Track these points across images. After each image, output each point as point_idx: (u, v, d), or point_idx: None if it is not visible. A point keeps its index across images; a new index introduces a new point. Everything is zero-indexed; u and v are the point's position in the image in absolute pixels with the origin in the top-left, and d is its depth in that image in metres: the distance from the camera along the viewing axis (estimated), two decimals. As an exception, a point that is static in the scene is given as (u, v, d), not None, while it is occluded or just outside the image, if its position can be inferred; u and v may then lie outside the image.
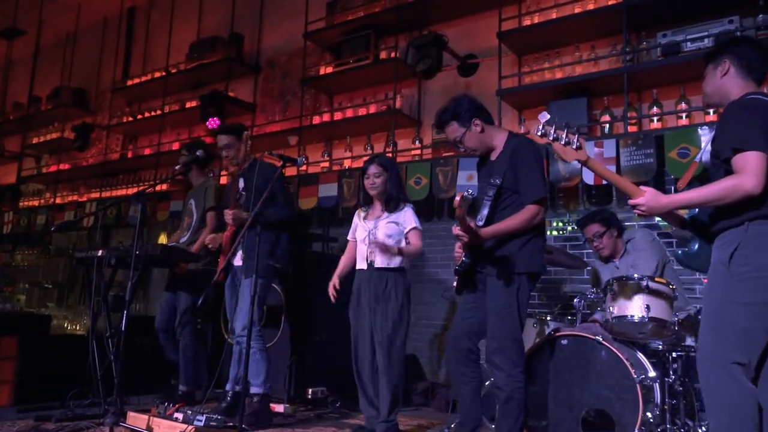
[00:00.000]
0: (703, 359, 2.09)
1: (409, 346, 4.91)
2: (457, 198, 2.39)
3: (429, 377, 4.80)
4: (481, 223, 2.66)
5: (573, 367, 2.95)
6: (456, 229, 2.59)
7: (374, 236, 3.22)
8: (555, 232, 4.54)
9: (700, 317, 3.08)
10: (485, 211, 2.72)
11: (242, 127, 3.84)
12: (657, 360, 3.08)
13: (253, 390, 3.50)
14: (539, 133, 2.20)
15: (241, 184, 3.77)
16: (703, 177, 3.62)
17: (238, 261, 3.67)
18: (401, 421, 3.35)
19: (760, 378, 2.04)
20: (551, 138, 2.20)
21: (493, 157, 2.87)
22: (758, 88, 2.24)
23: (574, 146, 2.20)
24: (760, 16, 3.86)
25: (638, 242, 3.44)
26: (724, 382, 2.01)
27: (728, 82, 2.24)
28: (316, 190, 5.41)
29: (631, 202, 2.18)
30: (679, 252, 2.44)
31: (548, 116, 2.17)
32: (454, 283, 2.81)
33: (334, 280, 3.35)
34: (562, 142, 2.19)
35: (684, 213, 2.46)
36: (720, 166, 2.13)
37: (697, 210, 2.41)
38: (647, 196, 2.14)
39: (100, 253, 3.64)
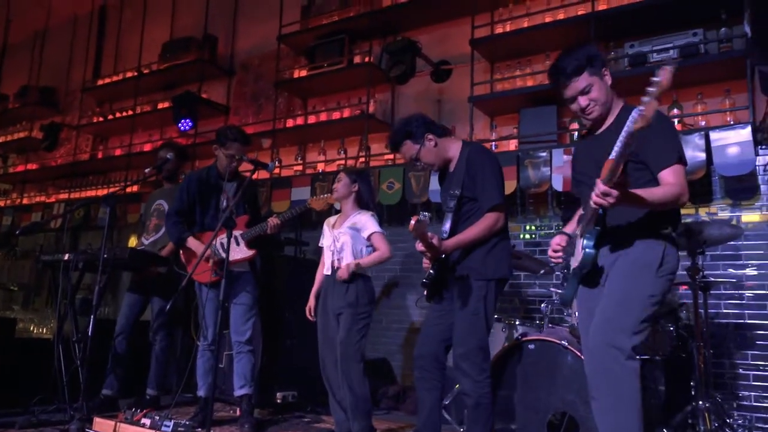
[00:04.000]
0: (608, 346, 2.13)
1: (381, 349, 4.96)
2: (412, 222, 2.41)
3: (400, 381, 4.83)
4: (445, 236, 2.70)
5: (539, 371, 3.00)
6: (419, 246, 2.63)
7: (338, 244, 3.25)
8: (527, 236, 4.61)
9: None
10: (448, 224, 2.76)
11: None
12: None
13: (248, 391, 3.57)
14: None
15: (230, 190, 3.69)
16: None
17: (241, 268, 3.65)
18: (370, 425, 3.37)
19: None
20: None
21: (451, 168, 2.91)
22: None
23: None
24: (723, 29, 3.97)
25: None
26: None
27: (610, 89, 2.31)
28: (288, 194, 5.40)
29: (604, 184, 1.95)
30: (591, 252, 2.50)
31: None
32: (425, 292, 2.83)
33: (311, 303, 3.38)
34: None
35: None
36: (642, 170, 2.20)
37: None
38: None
39: (66, 256, 3.58)
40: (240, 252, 3.58)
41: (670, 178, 2.12)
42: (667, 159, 2.14)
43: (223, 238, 3.57)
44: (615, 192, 1.92)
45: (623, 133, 1.84)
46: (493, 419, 2.75)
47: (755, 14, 2.46)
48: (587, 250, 2.17)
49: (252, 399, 3.62)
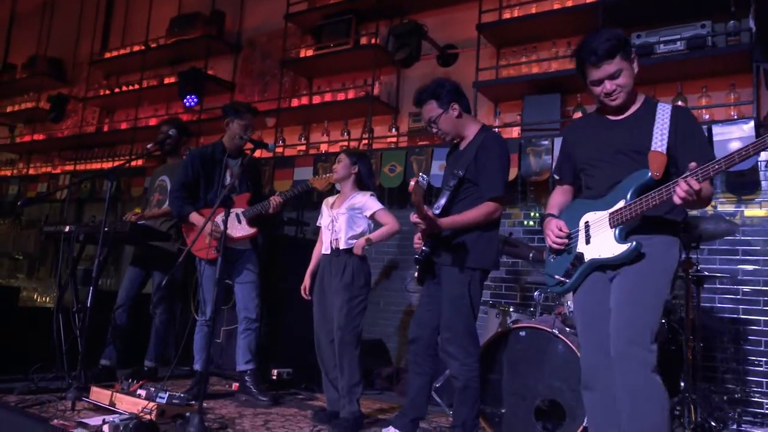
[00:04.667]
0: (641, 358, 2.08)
1: (377, 331, 5.01)
2: (412, 183, 2.42)
3: (394, 362, 4.89)
4: (437, 212, 2.70)
5: (529, 358, 3.04)
6: (414, 217, 2.63)
7: (336, 224, 3.28)
8: (529, 222, 4.61)
9: None
10: (443, 201, 2.76)
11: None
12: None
13: (253, 366, 3.67)
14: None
15: (234, 167, 3.74)
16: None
17: (245, 245, 3.71)
18: (363, 404, 3.42)
19: None
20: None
21: (462, 147, 2.90)
22: None
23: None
24: (732, 22, 3.93)
25: None
26: (657, 377, 2.08)
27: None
28: (291, 173, 5.42)
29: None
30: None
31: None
32: (415, 274, 2.85)
33: (306, 282, 3.41)
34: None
35: None
36: (673, 165, 2.13)
37: None
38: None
39: (67, 228, 3.63)
40: (242, 230, 3.62)
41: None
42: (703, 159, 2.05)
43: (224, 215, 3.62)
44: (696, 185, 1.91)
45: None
46: (480, 402, 2.79)
47: (758, 10, 2.43)
48: (633, 243, 2.11)
49: (255, 374, 3.70)
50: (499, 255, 2.89)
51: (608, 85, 2.19)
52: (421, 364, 2.86)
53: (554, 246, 2.33)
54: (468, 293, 2.71)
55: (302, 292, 3.42)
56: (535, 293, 3.41)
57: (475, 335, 2.77)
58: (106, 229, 3.29)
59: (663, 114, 2.16)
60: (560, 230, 2.30)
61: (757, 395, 3.61)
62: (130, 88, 7.17)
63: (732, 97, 3.93)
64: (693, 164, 1.92)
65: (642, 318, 2.09)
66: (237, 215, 3.63)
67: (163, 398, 2.88)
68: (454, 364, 2.71)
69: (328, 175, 3.67)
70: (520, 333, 3.09)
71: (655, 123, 2.15)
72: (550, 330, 3.00)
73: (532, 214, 4.62)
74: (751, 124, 3.61)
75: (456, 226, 2.71)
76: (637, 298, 2.11)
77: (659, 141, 2.10)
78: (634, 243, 2.11)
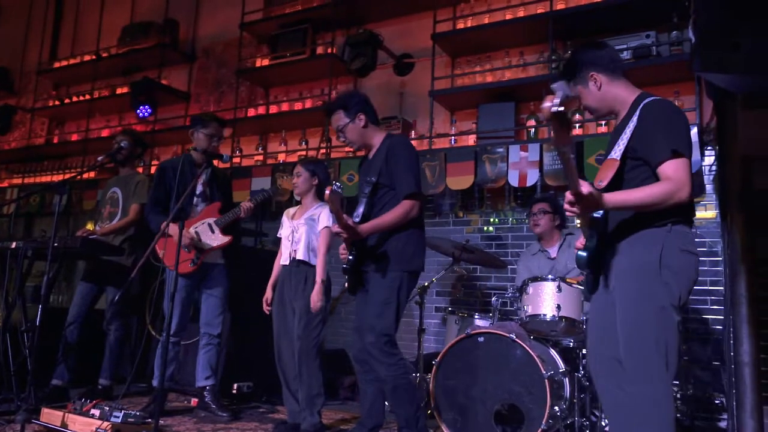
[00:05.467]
0: (643, 368, 2.03)
1: (339, 340, 4.99)
2: (327, 192, 2.46)
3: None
4: (357, 220, 2.75)
5: (488, 363, 3.08)
6: (334, 227, 2.69)
7: (297, 234, 3.27)
8: (489, 228, 4.68)
9: None
10: (361, 209, 2.81)
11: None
12: (569, 356, 3.27)
13: (213, 381, 3.62)
14: (555, 109, 1.63)
15: (203, 176, 3.69)
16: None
17: (217, 259, 3.65)
18: (325, 415, 3.41)
19: None
20: (568, 117, 1.73)
21: (371, 156, 2.98)
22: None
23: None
24: (674, 32, 4.10)
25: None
26: (667, 390, 2.02)
27: (610, 90, 2.23)
28: (249, 184, 5.36)
29: (571, 193, 1.90)
30: (584, 254, 2.48)
31: (566, 88, 1.84)
32: (346, 284, 2.88)
33: (268, 295, 3.39)
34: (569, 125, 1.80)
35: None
36: (637, 166, 2.11)
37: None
38: (587, 189, 1.91)
39: (14, 244, 3.51)
40: (216, 239, 3.57)
41: (667, 172, 2.00)
42: (662, 152, 2.02)
43: (197, 226, 3.55)
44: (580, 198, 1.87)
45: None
46: (417, 396, 2.80)
47: (697, 21, 2.54)
48: (578, 253, 2.14)
49: (217, 389, 3.64)
50: (424, 256, 2.90)
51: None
52: (368, 371, 2.86)
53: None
54: (396, 297, 2.74)
55: (264, 303, 3.39)
56: (493, 299, 3.46)
57: (394, 339, 2.77)
58: (56, 244, 3.19)
59: (636, 116, 2.14)
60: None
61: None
62: (81, 98, 6.97)
63: (677, 104, 4.07)
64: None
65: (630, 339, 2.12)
66: (210, 225, 3.59)
67: (118, 417, 2.81)
68: (380, 368, 2.72)
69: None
70: (479, 339, 3.13)
71: (626, 128, 2.13)
72: (507, 335, 3.05)
73: (491, 220, 4.69)
74: (695, 130, 3.76)
75: (377, 230, 2.76)
76: (623, 310, 2.15)
77: (619, 146, 2.09)
78: (579, 252, 2.19)
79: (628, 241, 2.12)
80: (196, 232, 3.54)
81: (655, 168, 2.04)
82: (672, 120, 2.09)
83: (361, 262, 2.83)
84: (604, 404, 2.25)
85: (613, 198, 1.99)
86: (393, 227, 2.77)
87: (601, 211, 2.09)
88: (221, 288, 3.69)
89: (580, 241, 2.27)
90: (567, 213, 1.99)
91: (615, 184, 2.08)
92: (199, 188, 3.66)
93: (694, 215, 2.19)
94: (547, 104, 1.65)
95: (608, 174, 2.09)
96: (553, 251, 3.74)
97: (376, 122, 3.00)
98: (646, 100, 2.15)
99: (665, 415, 2.00)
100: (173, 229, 3.50)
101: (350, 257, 2.80)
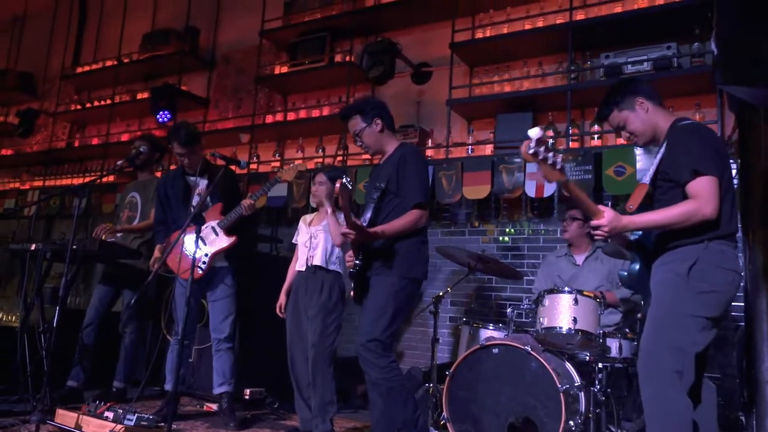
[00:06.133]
0: (648, 368, 2.15)
1: (352, 348, 4.96)
2: (337, 185, 2.45)
3: (369, 380, 4.85)
4: (364, 224, 2.74)
5: (502, 375, 3.04)
6: (343, 228, 2.67)
7: (315, 241, 3.27)
8: (505, 239, 4.64)
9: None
10: (368, 214, 2.82)
11: (199, 138, 3.79)
12: (585, 370, 3.22)
13: (227, 388, 3.59)
14: (531, 152, 1.95)
15: (201, 185, 3.71)
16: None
17: (220, 262, 3.65)
18: (338, 423, 3.39)
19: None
20: (540, 158, 1.99)
21: (382, 161, 2.99)
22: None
23: (558, 167, 2.06)
24: (696, 44, 4.05)
25: None
26: (673, 392, 2.09)
27: (654, 116, 2.35)
28: (265, 190, 5.38)
29: (593, 223, 2.15)
30: (624, 273, 2.52)
31: (540, 134, 1.98)
32: (351, 292, 2.86)
33: (281, 301, 3.39)
34: (549, 163, 2.03)
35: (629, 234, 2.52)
36: (670, 188, 2.22)
37: (641, 232, 2.45)
38: (608, 217, 2.13)
39: (34, 246, 3.55)
40: (220, 241, 3.57)
41: (691, 192, 2.12)
42: (684, 173, 2.14)
43: (192, 234, 3.58)
44: (603, 224, 2.10)
45: None
46: (412, 400, 2.77)
47: (719, 34, 2.53)
48: (620, 273, 2.34)
49: (232, 396, 3.63)
50: (426, 265, 2.89)
51: (624, 135, 2.45)
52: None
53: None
54: (393, 302, 2.72)
55: (277, 310, 3.39)
56: (508, 310, 3.43)
57: (387, 342, 2.74)
58: (74, 246, 3.23)
59: (666, 140, 2.29)
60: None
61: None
62: (102, 103, 7.08)
63: (698, 116, 4.03)
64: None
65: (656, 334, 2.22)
66: (212, 228, 3.59)
67: (131, 420, 2.82)
68: (372, 371, 2.70)
69: (293, 164, 3.66)
70: (494, 350, 3.10)
71: (658, 153, 2.29)
72: (522, 347, 3.01)
73: (507, 230, 4.66)
74: (716, 143, 3.70)
75: (384, 235, 2.74)
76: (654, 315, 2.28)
77: (650, 171, 2.26)
78: (621, 272, 2.43)
79: (663, 258, 2.24)
80: (201, 237, 3.53)
81: (683, 188, 2.15)
82: (693, 140, 2.20)
83: (367, 267, 2.82)
84: None
85: (638, 219, 2.15)
86: (400, 234, 2.76)
87: (638, 233, 2.18)
88: (226, 291, 3.67)
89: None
90: (595, 237, 2.14)
91: (649, 208, 2.23)
92: (196, 198, 3.64)
93: (736, 232, 2.26)
94: (523, 149, 1.95)
95: (638, 198, 2.26)
96: (579, 258, 3.72)
97: (392, 129, 3.01)
98: (677, 125, 2.28)
99: (674, 417, 2.07)
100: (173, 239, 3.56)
101: (357, 262, 2.78)
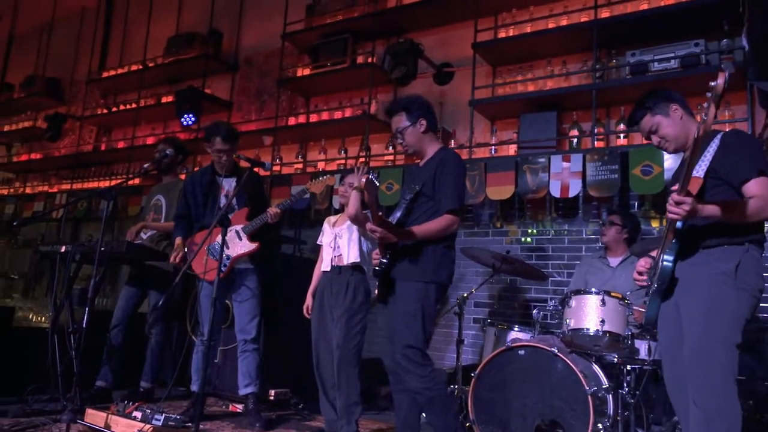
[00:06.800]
0: (701, 365, 2.14)
1: (376, 350, 4.97)
2: (362, 179, 2.42)
3: (393, 381, 4.85)
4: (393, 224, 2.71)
5: (529, 377, 3.02)
6: (370, 225, 2.64)
7: (339, 241, 3.28)
8: (528, 239, 4.61)
9: None
10: (398, 214, 2.78)
11: (238, 136, 3.80)
12: (613, 372, 3.18)
13: (253, 389, 3.61)
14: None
15: (227, 186, 3.73)
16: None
17: (245, 264, 3.68)
18: (362, 425, 3.39)
19: None
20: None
21: (422, 163, 2.95)
22: None
23: None
24: (725, 40, 3.97)
25: None
26: (730, 387, 2.10)
27: (686, 123, 2.37)
28: (288, 191, 5.41)
29: (677, 198, 2.07)
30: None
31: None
32: (375, 291, 2.83)
33: (308, 302, 3.40)
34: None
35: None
36: (714, 186, 2.24)
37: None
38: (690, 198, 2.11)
39: (63, 248, 3.61)
40: (243, 246, 3.59)
41: (754, 190, 2.14)
42: (748, 172, 2.17)
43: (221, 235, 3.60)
44: (688, 199, 2.02)
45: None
46: (455, 406, 2.75)
47: (751, 29, 2.47)
48: (664, 263, 2.22)
49: (258, 397, 3.64)
50: (453, 269, 2.85)
51: (654, 139, 2.45)
52: (400, 381, 2.81)
53: (636, 283, 2.52)
54: (420, 308, 2.69)
55: (304, 311, 3.40)
56: (534, 311, 3.40)
57: (423, 348, 2.72)
58: (102, 248, 3.27)
59: (716, 142, 2.32)
60: (642, 267, 2.47)
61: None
62: (128, 107, 7.19)
63: (727, 114, 3.96)
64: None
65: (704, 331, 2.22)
66: (237, 232, 3.61)
67: (159, 420, 2.85)
68: (411, 379, 2.68)
69: (323, 178, 3.66)
70: (520, 352, 3.07)
71: (705, 152, 2.30)
72: (549, 349, 2.98)
73: (529, 231, 4.62)
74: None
75: (413, 237, 2.71)
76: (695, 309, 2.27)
77: (701, 166, 2.26)
78: (665, 262, 2.28)
79: (703, 254, 2.25)
80: (219, 243, 3.54)
81: (740, 186, 2.18)
82: (756, 145, 2.33)
83: (393, 268, 2.79)
84: (684, 422, 2.28)
85: (709, 207, 2.13)
86: (430, 238, 2.72)
87: (681, 223, 2.20)
88: (251, 293, 3.68)
89: (641, 263, 2.42)
90: (669, 213, 2.10)
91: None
92: (222, 200, 3.65)
93: (766, 240, 2.30)
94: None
95: (695, 189, 2.26)
96: (614, 261, 3.68)
97: (435, 130, 2.96)
98: (726, 130, 2.35)
99: (734, 412, 2.08)
100: (198, 238, 3.59)
101: (383, 260, 2.76)
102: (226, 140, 3.60)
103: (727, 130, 2.35)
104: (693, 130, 2.32)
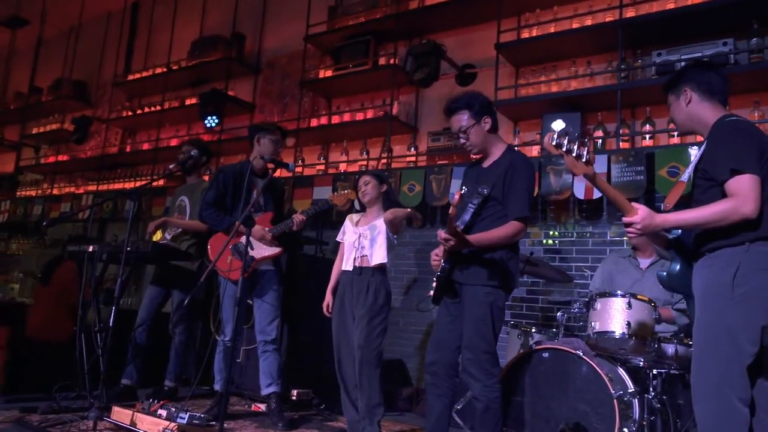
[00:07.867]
0: (699, 382, 2.07)
1: (397, 351, 4.97)
2: (456, 196, 2.45)
3: (414, 383, 4.84)
4: (461, 228, 2.67)
5: (553, 380, 2.99)
6: (442, 233, 2.59)
7: (364, 241, 3.27)
8: (550, 241, 4.56)
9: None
10: (467, 217, 2.73)
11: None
12: (639, 376, 3.13)
13: (275, 389, 3.64)
14: (554, 143, 1.99)
15: (260, 186, 3.73)
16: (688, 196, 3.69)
17: (267, 266, 3.71)
18: (384, 426, 3.39)
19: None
20: (564, 149, 2.00)
21: (486, 164, 2.87)
22: (725, 107, 2.28)
23: (584, 159, 2.03)
24: (754, 39, 3.90)
25: None
26: (724, 406, 2.00)
27: (695, 108, 2.26)
28: (310, 193, 5.44)
29: (625, 219, 2.11)
30: (663, 273, 2.44)
31: (563, 125, 1.98)
32: (430, 292, 2.80)
33: (328, 299, 3.41)
34: (574, 155, 2.01)
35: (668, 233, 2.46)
36: (709, 187, 2.14)
37: (680, 231, 2.39)
38: (641, 214, 2.08)
39: (90, 248, 3.67)
40: (267, 249, 3.63)
41: (728, 191, 2.05)
42: (722, 172, 2.07)
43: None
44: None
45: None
46: (502, 423, 2.74)
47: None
48: (659, 272, 2.29)
49: (280, 397, 3.67)
50: (519, 277, 2.85)
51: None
52: (441, 385, 2.80)
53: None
54: (490, 313, 2.67)
55: (324, 309, 3.40)
56: (558, 314, 3.37)
57: (496, 357, 2.73)
58: (128, 248, 3.32)
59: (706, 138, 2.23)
60: None
61: None
62: (152, 109, 7.28)
63: (756, 114, 3.89)
64: None
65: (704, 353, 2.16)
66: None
67: (184, 418, 2.89)
68: (476, 386, 2.67)
69: (346, 191, 3.68)
70: (544, 354, 3.05)
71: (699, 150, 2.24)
72: (574, 351, 2.95)
73: (551, 233, 4.58)
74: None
75: (483, 244, 2.67)
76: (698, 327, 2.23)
77: (689, 169, 2.23)
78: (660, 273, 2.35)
79: (704, 261, 2.15)
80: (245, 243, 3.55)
81: (722, 187, 2.07)
82: (735, 137, 2.10)
83: (456, 272, 2.76)
84: None
85: (672, 217, 2.08)
86: (498, 245, 2.69)
87: (678, 232, 2.12)
88: (272, 294, 3.72)
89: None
90: (628, 235, 2.12)
91: (687, 207, 2.16)
92: (254, 197, 3.68)
93: None
94: (546, 140, 1.99)
95: (675, 197, 2.22)
96: (644, 263, 3.59)
97: (497, 129, 2.91)
98: (722, 121, 2.18)
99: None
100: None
101: (445, 264, 2.72)
102: (283, 136, 3.87)
103: (724, 120, 2.20)
104: (707, 116, 2.24)
